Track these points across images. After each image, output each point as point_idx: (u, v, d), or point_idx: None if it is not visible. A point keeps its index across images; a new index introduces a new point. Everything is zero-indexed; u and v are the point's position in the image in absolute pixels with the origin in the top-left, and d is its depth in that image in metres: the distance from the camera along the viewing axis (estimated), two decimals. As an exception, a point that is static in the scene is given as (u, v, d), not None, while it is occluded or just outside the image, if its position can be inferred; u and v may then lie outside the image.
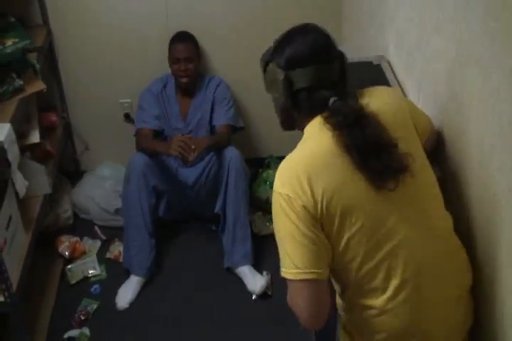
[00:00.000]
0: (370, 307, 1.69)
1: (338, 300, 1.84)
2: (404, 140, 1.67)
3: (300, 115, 1.77)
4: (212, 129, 3.57)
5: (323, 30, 1.78)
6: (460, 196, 1.86)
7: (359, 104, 1.69)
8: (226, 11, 3.66)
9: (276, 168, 3.83)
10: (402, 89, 2.43)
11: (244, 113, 3.92)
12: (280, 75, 1.71)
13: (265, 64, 1.79)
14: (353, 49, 3.36)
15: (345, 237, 1.64)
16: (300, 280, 1.63)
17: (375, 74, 2.56)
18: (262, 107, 3.90)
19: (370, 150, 1.62)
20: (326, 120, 1.67)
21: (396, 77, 2.52)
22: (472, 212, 1.79)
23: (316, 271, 1.62)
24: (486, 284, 1.72)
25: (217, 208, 3.45)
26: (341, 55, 1.76)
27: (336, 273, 1.73)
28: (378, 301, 1.68)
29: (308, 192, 1.61)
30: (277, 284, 3.32)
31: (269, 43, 3.60)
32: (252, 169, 3.68)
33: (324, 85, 1.71)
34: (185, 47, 3.43)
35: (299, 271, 1.63)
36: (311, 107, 1.73)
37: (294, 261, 1.64)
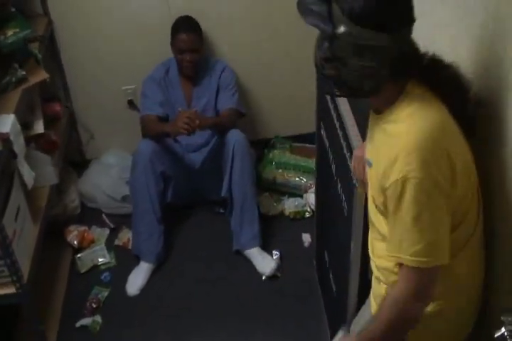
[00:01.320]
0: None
1: None
2: None
3: (391, 84, 1.58)
4: (217, 114, 3.56)
5: None
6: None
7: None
8: None
9: (281, 148, 3.87)
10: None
11: (248, 94, 3.92)
12: (383, 41, 1.47)
13: (351, 33, 1.49)
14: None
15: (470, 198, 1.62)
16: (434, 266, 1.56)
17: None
18: (266, 87, 3.93)
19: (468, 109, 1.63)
20: (432, 85, 1.58)
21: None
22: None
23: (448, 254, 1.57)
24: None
25: (224, 191, 3.45)
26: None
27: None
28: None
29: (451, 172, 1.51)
30: (286, 264, 3.36)
31: (274, 23, 3.59)
32: (257, 150, 3.68)
33: (415, 48, 1.58)
34: (190, 37, 3.39)
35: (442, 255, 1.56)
36: (410, 73, 1.58)
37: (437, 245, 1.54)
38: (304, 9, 1.50)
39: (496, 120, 1.69)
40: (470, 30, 1.80)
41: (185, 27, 3.42)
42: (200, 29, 3.49)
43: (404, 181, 1.48)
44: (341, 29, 1.48)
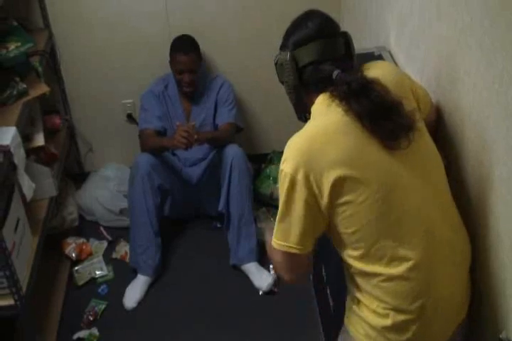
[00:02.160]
0: (381, 274, 1.72)
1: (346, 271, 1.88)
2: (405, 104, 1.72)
3: (308, 94, 1.83)
4: (215, 129, 3.58)
5: (325, 13, 1.87)
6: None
7: (362, 73, 1.75)
8: (226, 7, 3.66)
9: (278, 163, 3.88)
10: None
11: (246, 109, 3.94)
12: (286, 56, 1.81)
13: (276, 58, 1.88)
14: (354, 41, 3.37)
15: (359, 202, 1.67)
16: (284, 251, 1.76)
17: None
18: (263, 103, 3.95)
19: (379, 112, 1.66)
20: (332, 93, 1.73)
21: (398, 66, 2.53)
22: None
23: (299, 246, 1.74)
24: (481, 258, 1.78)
25: (221, 206, 3.47)
26: (345, 33, 1.85)
27: (346, 241, 1.76)
28: (390, 268, 1.71)
29: (321, 169, 1.65)
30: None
31: (270, 39, 3.61)
32: (255, 165, 3.70)
33: (328, 59, 1.78)
34: (188, 58, 3.40)
35: (285, 244, 1.74)
36: (317, 82, 1.79)
37: (285, 233, 1.74)
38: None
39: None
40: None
41: (184, 48, 3.43)
42: (199, 49, 3.50)
43: (280, 172, 1.73)
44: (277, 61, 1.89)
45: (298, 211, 1.71)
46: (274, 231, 1.77)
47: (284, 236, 1.75)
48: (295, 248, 1.74)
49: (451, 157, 1.98)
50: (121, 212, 3.69)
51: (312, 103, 1.82)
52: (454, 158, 1.96)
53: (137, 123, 3.74)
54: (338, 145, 1.66)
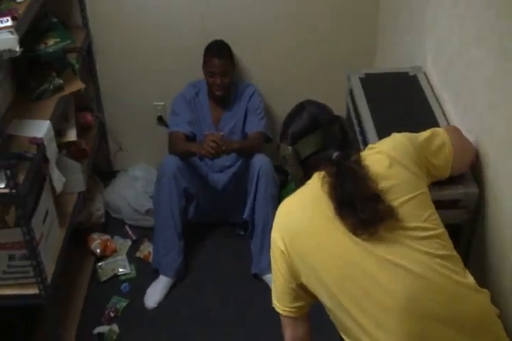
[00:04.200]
0: None
1: None
2: (395, 188, 1.73)
3: (312, 175, 1.88)
4: (244, 137, 3.59)
5: (319, 102, 2.00)
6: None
7: (357, 156, 1.80)
8: (261, 18, 3.66)
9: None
10: (437, 100, 2.44)
11: (275, 120, 3.92)
12: (287, 150, 1.91)
13: (278, 147, 1.99)
14: (388, 59, 3.36)
15: (325, 284, 1.72)
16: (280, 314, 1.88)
17: (410, 85, 2.56)
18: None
19: (346, 201, 1.69)
20: (323, 168, 1.79)
21: (432, 89, 2.51)
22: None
23: (290, 309, 1.86)
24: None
25: (246, 214, 3.47)
26: (339, 118, 1.96)
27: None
28: None
29: (286, 245, 1.77)
30: None
31: (303, 52, 3.59)
32: (280, 176, 3.69)
33: (328, 146, 1.87)
34: (221, 62, 3.42)
35: (279, 305, 1.87)
36: (319, 166, 1.83)
37: (277, 296, 1.87)
38: None
39: None
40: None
41: (218, 51, 3.45)
42: (232, 54, 3.52)
43: None
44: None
45: (277, 275, 1.84)
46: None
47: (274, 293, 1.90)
48: (277, 306, 1.88)
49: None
50: (147, 212, 3.71)
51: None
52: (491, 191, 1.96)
53: (167, 126, 3.76)
54: (306, 214, 1.78)
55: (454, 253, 1.73)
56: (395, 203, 1.69)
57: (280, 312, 1.87)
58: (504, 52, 1.84)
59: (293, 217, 1.81)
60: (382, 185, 1.71)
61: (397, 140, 1.87)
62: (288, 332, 1.91)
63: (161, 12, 3.62)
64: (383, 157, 1.79)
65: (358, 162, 1.77)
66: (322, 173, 1.78)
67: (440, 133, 1.95)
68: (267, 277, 3.39)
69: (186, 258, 3.50)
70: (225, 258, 3.61)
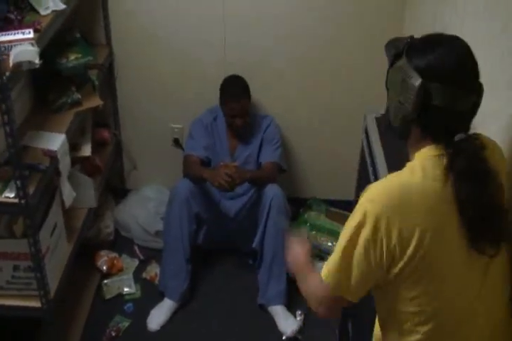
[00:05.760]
0: None
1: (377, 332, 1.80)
2: None
3: (418, 132, 1.60)
4: (259, 167, 3.57)
5: (472, 52, 1.57)
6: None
7: (483, 153, 1.54)
8: (283, 48, 3.65)
9: (317, 210, 3.83)
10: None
11: (291, 152, 3.92)
12: (416, 81, 1.52)
13: (395, 55, 1.62)
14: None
15: (417, 283, 1.55)
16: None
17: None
18: (310, 148, 3.91)
19: (483, 211, 1.51)
20: (447, 156, 1.53)
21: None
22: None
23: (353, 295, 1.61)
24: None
25: (255, 243, 3.44)
26: (481, 87, 1.57)
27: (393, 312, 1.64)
28: None
29: (397, 225, 1.50)
30: (308, 328, 3.31)
31: (324, 86, 3.60)
32: (292, 208, 3.66)
33: (456, 113, 1.53)
34: (241, 105, 3.40)
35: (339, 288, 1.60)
36: (435, 131, 1.57)
37: (341, 276, 1.59)
38: (389, 42, 1.69)
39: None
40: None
41: (236, 94, 3.41)
42: (249, 91, 3.48)
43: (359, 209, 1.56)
44: (398, 63, 1.60)
45: (361, 259, 1.55)
46: (331, 263, 1.61)
47: (341, 278, 1.59)
48: (350, 295, 1.61)
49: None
50: (157, 233, 3.70)
51: (415, 139, 1.62)
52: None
53: (182, 149, 3.76)
54: (423, 216, 1.51)
55: None
56: None
57: (343, 294, 1.60)
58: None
59: (415, 210, 1.51)
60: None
61: (500, 148, 1.67)
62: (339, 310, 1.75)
63: (183, 37, 3.64)
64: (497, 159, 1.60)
65: (487, 162, 1.52)
66: (439, 160, 1.53)
67: None
68: (272, 308, 3.36)
69: (193, 283, 3.47)
70: (231, 287, 3.58)
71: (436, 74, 1.52)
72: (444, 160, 1.53)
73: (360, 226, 1.53)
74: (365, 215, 1.52)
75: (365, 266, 1.55)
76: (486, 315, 1.60)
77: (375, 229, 1.51)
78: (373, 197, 1.55)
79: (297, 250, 1.86)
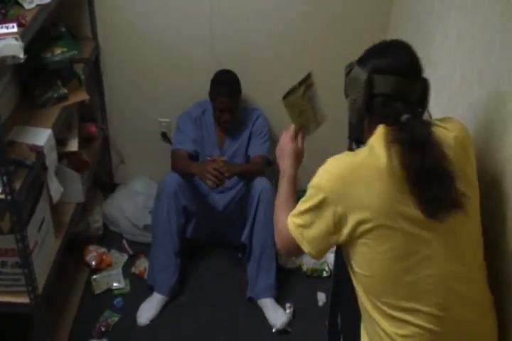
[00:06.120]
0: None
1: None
2: (460, 178, 1.66)
3: (370, 122, 1.79)
4: (247, 160, 3.57)
5: (416, 52, 1.80)
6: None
7: (430, 128, 1.70)
8: (272, 41, 3.64)
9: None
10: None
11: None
12: (363, 75, 1.75)
13: (350, 68, 1.84)
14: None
15: (378, 251, 1.67)
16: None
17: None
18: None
19: (426, 176, 1.62)
20: (393, 132, 1.69)
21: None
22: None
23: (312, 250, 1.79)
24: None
25: (244, 237, 3.45)
26: (425, 80, 1.78)
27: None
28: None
29: (352, 204, 1.66)
30: (298, 320, 3.32)
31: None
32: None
33: (402, 99, 1.73)
34: (231, 100, 3.39)
35: (300, 237, 1.80)
36: (383, 116, 1.75)
37: (306, 232, 1.78)
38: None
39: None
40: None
41: (228, 90, 3.39)
42: (240, 86, 3.47)
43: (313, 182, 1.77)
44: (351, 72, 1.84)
45: (323, 224, 1.73)
46: (295, 212, 1.83)
47: (302, 231, 1.80)
48: (307, 250, 1.80)
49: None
50: (145, 227, 3.69)
51: (369, 130, 1.79)
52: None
53: (170, 143, 3.75)
54: (375, 190, 1.64)
55: None
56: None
57: (308, 252, 1.81)
58: (503, 94, 1.84)
59: (362, 190, 1.67)
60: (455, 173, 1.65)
61: (465, 128, 1.82)
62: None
63: (170, 31, 3.63)
64: (455, 140, 1.73)
65: (432, 134, 1.68)
66: (387, 138, 1.68)
67: None
68: (261, 301, 3.37)
69: (182, 277, 3.47)
70: (220, 280, 3.58)
71: (378, 68, 1.75)
72: (389, 136, 1.69)
73: (319, 193, 1.72)
74: (323, 185, 1.72)
75: (320, 224, 1.73)
76: (459, 278, 1.69)
77: (328, 198, 1.69)
78: (334, 170, 1.73)
79: (285, 140, 2.13)
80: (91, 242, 3.61)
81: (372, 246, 1.66)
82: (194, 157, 3.53)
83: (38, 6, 2.63)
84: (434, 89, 2.56)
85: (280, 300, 3.38)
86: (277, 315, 3.29)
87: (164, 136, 3.95)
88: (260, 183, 3.38)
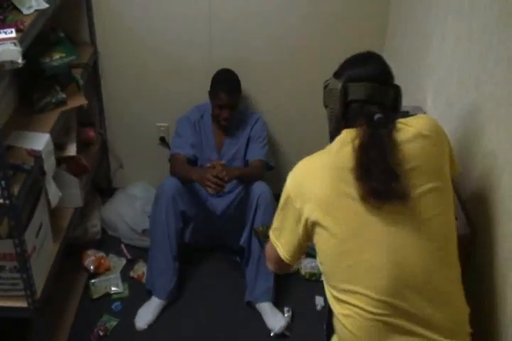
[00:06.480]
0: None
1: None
2: (419, 171, 1.75)
3: (346, 126, 1.89)
4: (245, 164, 3.57)
5: (385, 61, 1.95)
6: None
7: (392, 129, 1.79)
8: (271, 45, 3.66)
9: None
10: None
11: (278, 148, 3.93)
12: (338, 85, 1.89)
13: (328, 82, 1.98)
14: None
15: (323, 239, 1.80)
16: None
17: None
18: (296, 144, 3.91)
19: (365, 166, 1.73)
20: (357, 131, 1.80)
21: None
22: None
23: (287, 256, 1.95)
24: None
25: (243, 241, 3.45)
26: (397, 87, 1.92)
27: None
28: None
29: (301, 192, 1.83)
30: (296, 324, 3.32)
31: (310, 82, 3.62)
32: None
33: (375, 103, 1.86)
34: (231, 97, 3.39)
35: (277, 242, 1.96)
36: (357, 119, 1.85)
37: (280, 236, 1.95)
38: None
39: None
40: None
41: (228, 86, 3.41)
42: (240, 85, 3.50)
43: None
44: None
45: (289, 223, 1.89)
46: (273, 222, 1.98)
47: (278, 235, 1.96)
48: (282, 254, 1.95)
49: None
50: (144, 232, 3.69)
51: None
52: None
53: (169, 147, 3.76)
54: (318, 181, 1.81)
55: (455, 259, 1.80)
56: (416, 191, 1.73)
57: (284, 260, 1.97)
58: (500, 98, 1.86)
59: (310, 183, 1.83)
60: (407, 166, 1.74)
61: (432, 122, 1.89)
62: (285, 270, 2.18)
63: (168, 35, 3.64)
64: (415, 134, 1.80)
65: (392, 134, 1.78)
66: (352, 136, 1.79)
67: None
68: (260, 305, 3.37)
69: (180, 281, 3.47)
70: (219, 284, 3.58)
71: (352, 77, 1.89)
72: (350, 136, 1.80)
73: (285, 194, 1.90)
74: (287, 186, 1.90)
75: (288, 223, 1.89)
76: (406, 267, 1.73)
77: (289, 197, 1.87)
78: (293, 171, 1.91)
79: None
80: (89, 247, 3.61)
81: (321, 233, 1.78)
82: (193, 161, 3.53)
83: (36, 11, 2.64)
84: (433, 90, 2.58)
85: (278, 304, 3.38)
86: (276, 319, 3.29)
87: (163, 141, 3.96)
88: (259, 187, 3.38)
